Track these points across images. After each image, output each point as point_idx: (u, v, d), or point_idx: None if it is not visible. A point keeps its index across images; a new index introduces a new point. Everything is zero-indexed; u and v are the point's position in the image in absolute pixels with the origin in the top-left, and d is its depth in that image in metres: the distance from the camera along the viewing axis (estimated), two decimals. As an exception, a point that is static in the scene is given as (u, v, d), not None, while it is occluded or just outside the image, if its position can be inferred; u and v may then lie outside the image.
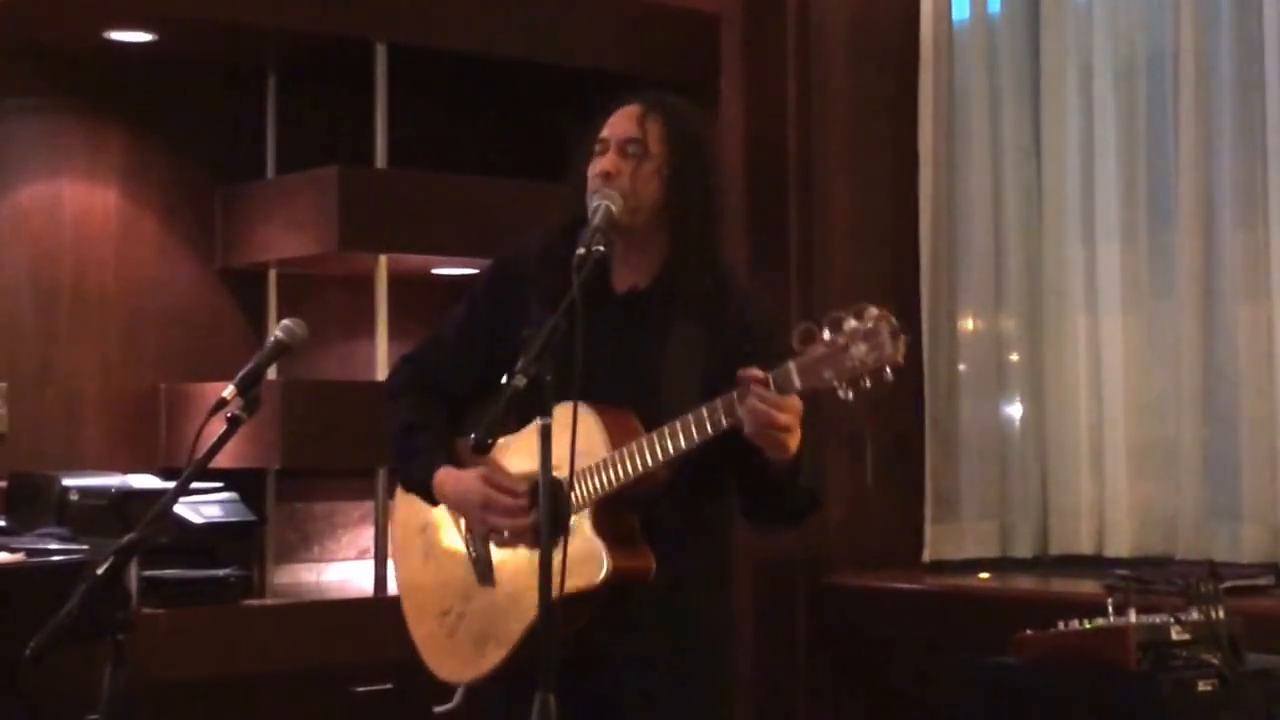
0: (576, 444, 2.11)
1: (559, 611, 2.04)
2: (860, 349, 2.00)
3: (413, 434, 2.34)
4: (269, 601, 3.81)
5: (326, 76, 4.22)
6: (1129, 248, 4.04)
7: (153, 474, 3.81)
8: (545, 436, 1.96)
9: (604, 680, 2.23)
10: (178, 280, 4.21)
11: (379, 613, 3.78)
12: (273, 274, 4.21)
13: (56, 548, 3.23)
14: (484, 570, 2.27)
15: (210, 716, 3.45)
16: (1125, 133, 4.05)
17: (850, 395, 2.02)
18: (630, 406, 2.19)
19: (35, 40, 3.93)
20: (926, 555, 4.20)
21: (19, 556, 3.14)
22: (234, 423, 2.07)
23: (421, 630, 2.35)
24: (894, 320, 2.01)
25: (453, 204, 4.04)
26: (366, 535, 4.26)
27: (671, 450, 2.12)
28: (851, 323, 2.01)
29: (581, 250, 2.11)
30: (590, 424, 2.15)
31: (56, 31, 3.90)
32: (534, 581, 2.05)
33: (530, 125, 4.62)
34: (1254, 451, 3.73)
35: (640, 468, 2.13)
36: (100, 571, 1.96)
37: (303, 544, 4.31)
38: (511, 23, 4.15)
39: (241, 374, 2.11)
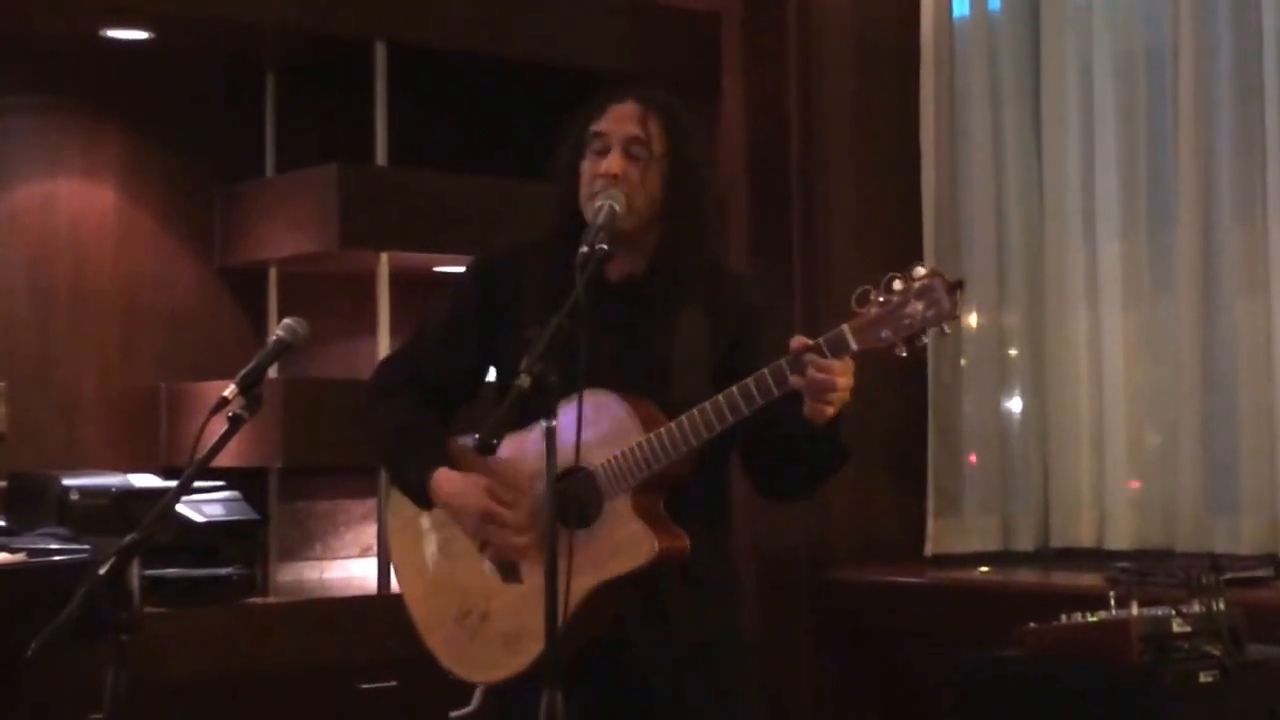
0: (607, 430, 2.13)
1: (606, 596, 2.07)
2: (917, 306, 2.02)
3: (405, 434, 2.31)
4: (272, 600, 3.81)
5: (326, 74, 4.22)
6: (1129, 243, 4.05)
7: (153, 473, 3.80)
8: (550, 438, 1.96)
9: (636, 682, 2.23)
10: (177, 279, 4.21)
11: (382, 610, 3.79)
12: (273, 272, 4.20)
13: (57, 548, 3.23)
14: (508, 568, 2.23)
15: (214, 715, 3.45)
16: (1125, 129, 4.05)
17: (905, 353, 2.05)
18: (643, 392, 2.19)
19: (32, 38, 3.92)
20: (929, 549, 4.20)
21: (20, 556, 3.14)
22: (235, 422, 2.07)
23: (438, 635, 2.30)
24: (947, 276, 2.03)
25: (453, 202, 4.04)
26: (369, 533, 4.26)
27: (717, 426, 2.11)
28: (903, 282, 2.03)
29: (585, 249, 2.10)
30: (620, 410, 2.16)
31: (53, 29, 3.89)
32: (569, 573, 2.06)
33: (530, 123, 4.62)
34: (1253, 444, 3.74)
35: (684, 444, 2.12)
36: (102, 571, 1.95)
37: (305, 542, 4.31)
38: (511, 21, 4.15)
39: (243, 373, 2.10)
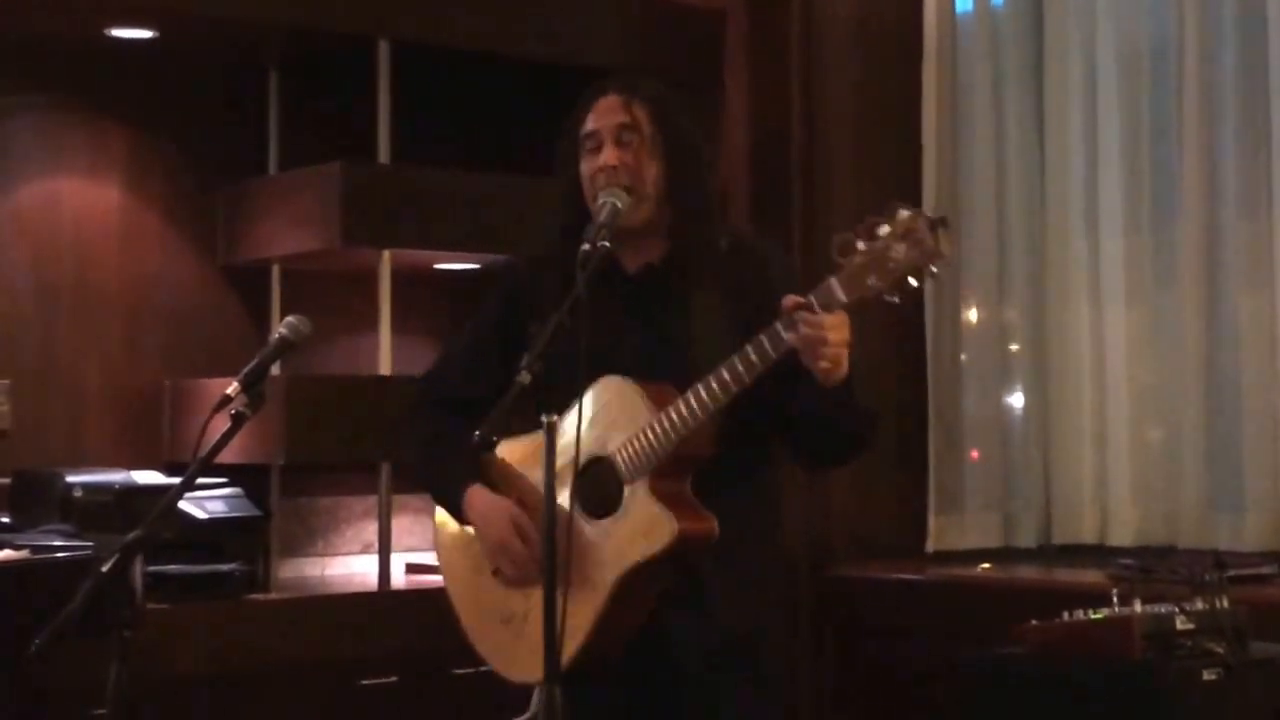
0: (622, 416, 2.14)
1: (635, 584, 2.08)
2: (900, 249, 1.97)
3: (438, 450, 2.33)
4: (274, 596, 3.81)
5: (329, 72, 4.22)
6: (1132, 238, 4.05)
7: (157, 470, 3.81)
8: (550, 434, 1.96)
9: (673, 670, 2.21)
10: (180, 277, 4.21)
11: (383, 606, 3.81)
12: (275, 270, 4.21)
13: (61, 544, 3.23)
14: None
15: (215, 711, 3.46)
16: (1129, 123, 4.05)
17: (898, 299, 2.00)
18: (666, 379, 2.19)
19: (36, 37, 3.93)
20: (930, 546, 4.20)
21: (23, 553, 3.14)
22: (238, 419, 2.07)
23: (487, 642, 2.30)
24: (930, 215, 1.98)
25: (455, 200, 4.04)
26: (370, 529, 4.27)
27: (722, 396, 2.10)
28: (886, 227, 1.99)
29: (586, 246, 2.11)
30: (633, 394, 2.16)
31: (57, 28, 3.89)
32: (595, 567, 2.08)
33: (532, 121, 4.62)
34: (1256, 440, 3.74)
35: (692, 420, 2.11)
36: (105, 568, 1.96)
37: (307, 538, 4.31)
38: (514, 19, 4.15)
39: (246, 370, 2.12)
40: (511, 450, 2.26)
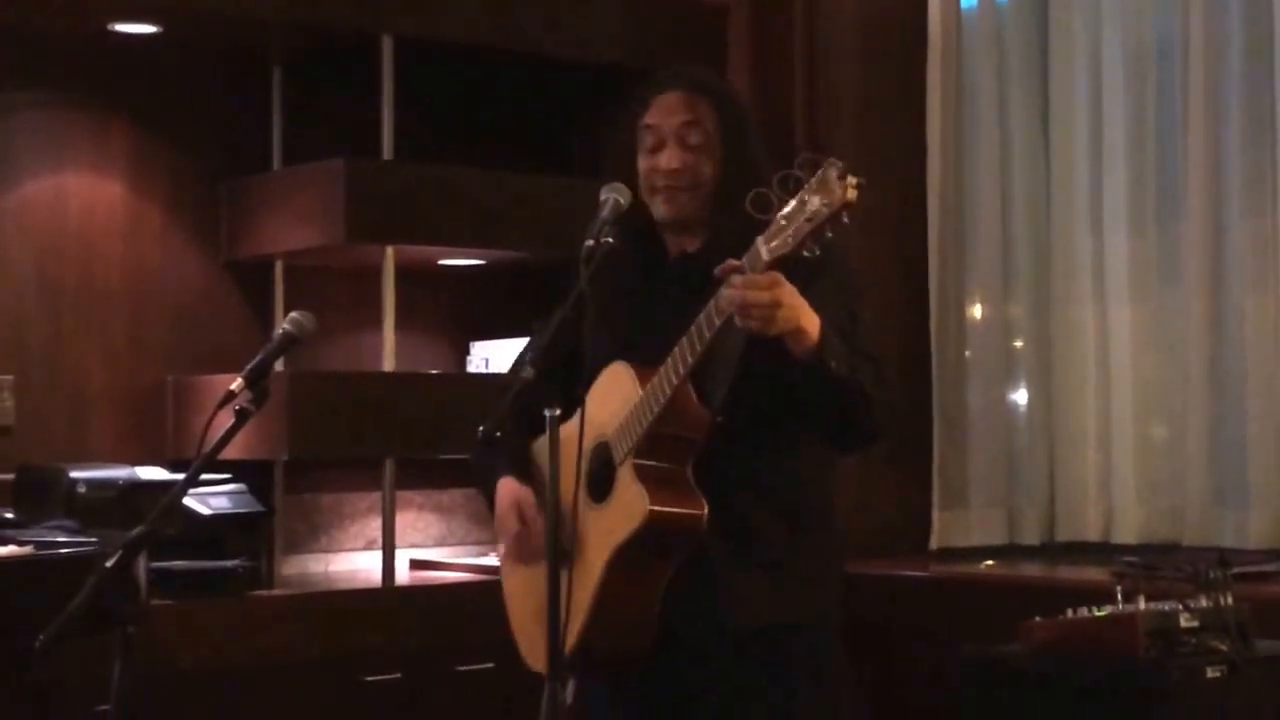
0: (618, 400, 2.14)
1: (625, 568, 2.08)
2: (815, 201, 1.95)
3: (486, 454, 2.34)
4: (277, 592, 3.82)
5: (332, 68, 4.22)
6: (1137, 236, 4.04)
7: (160, 466, 3.81)
8: (552, 428, 1.97)
9: (689, 674, 2.18)
10: (184, 273, 4.21)
11: (386, 603, 3.81)
12: (279, 266, 4.21)
13: (65, 540, 3.24)
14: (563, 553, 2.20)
15: (219, 707, 3.46)
16: (1134, 121, 4.04)
17: (817, 251, 1.98)
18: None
19: (39, 33, 3.93)
20: (934, 542, 4.20)
21: (27, 549, 3.15)
22: (242, 415, 2.07)
23: (523, 638, 2.30)
24: (840, 163, 1.95)
25: (459, 196, 4.04)
26: (374, 525, 4.27)
27: (682, 370, 2.08)
28: (803, 181, 1.97)
29: (590, 242, 2.11)
30: (625, 376, 2.17)
31: (61, 24, 3.90)
32: (593, 551, 2.08)
33: (536, 117, 4.62)
34: (1260, 437, 3.74)
35: (662, 396, 2.10)
36: (109, 564, 1.96)
37: (310, 535, 4.32)
38: (517, 14, 4.15)
39: (250, 366, 2.11)
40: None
